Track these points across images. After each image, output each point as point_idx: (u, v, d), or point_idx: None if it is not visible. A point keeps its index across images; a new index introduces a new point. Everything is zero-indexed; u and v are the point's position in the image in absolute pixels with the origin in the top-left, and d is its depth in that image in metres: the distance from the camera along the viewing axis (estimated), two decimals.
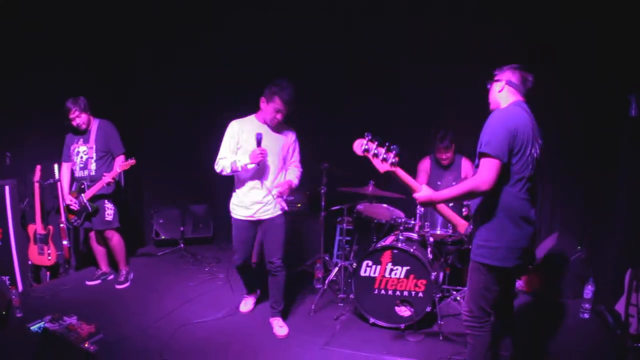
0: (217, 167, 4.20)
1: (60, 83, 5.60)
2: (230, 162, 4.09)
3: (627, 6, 4.62)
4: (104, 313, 4.71)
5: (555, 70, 4.94)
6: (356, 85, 6.23)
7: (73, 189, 5.32)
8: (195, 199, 7.33)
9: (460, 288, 5.08)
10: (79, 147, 5.21)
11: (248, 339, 4.31)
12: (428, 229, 4.60)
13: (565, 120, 5.15)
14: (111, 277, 5.69)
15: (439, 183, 5.08)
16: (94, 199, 5.16)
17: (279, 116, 4.08)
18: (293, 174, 4.35)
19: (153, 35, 6.79)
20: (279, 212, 4.26)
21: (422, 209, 4.63)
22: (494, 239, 2.90)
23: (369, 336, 4.38)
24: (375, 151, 3.02)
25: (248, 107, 4.36)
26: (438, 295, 4.56)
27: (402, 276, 4.45)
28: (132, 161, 5.02)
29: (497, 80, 3.06)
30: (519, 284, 5.34)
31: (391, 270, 4.47)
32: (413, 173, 5.16)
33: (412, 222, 4.82)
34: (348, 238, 5.64)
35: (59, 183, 5.39)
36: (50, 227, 5.46)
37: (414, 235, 4.84)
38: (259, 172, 4.15)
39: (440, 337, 4.29)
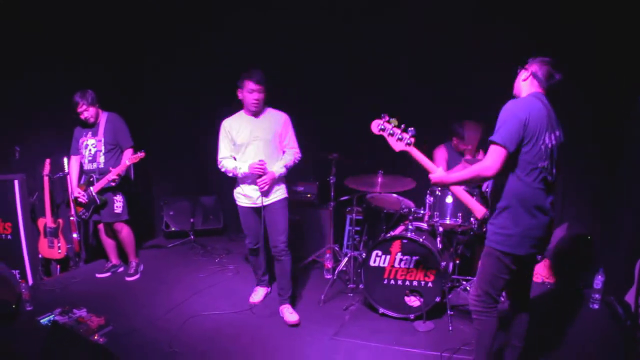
0: (222, 168, 4.48)
1: (66, 77, 5.59)
2: (232, 166, 4.37)
3: (628, 5, 4.58)
4: (113, 305, 4.73)
5: (560, 62, 4.90)
6: (356, 85, 6.22)
7: (82, 181, 5.32)
8: (205, 190, 7.34)
9: (470, 278, 5.04)
10: (87, 140, 5.21)
11: (257, 330, 4.31)
12: (437, 219, 4.55)
13: (573, 111, 5.10)
14: (121, 269, 5.71)
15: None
16: (102, 191, 5.17)
17: (255, 96, 4.22)
18: (288, 157, 4.46)
19: (154, 35, 6.78)
20: (280, 197, 4.45)
21: (432, 198, 4.59)
22: (509, 226, 2.94)
23: (378, 326, 4.36)
24: (391, 131, 3.24)
25: None
26: (448, 285, 4.53)
27: (411, 266, 4.42)
28: (141, 154, 5.02)
29: (525, 69, 3.07)
30: None
31: (400, 260, 4.44)
32: (419, 168, 5.15)
33: (422, 211, 4.77)
34: (357, 228, 5.61)
35: (68, 176, 5.40)
36: (60, 220, 5.48)
37: (424, 225, 4.80)
38: (251, 159, 4.29)
39: (450, 328, 4.26)
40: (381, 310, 4.53)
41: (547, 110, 2.92)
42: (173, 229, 7.04)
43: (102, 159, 5.19)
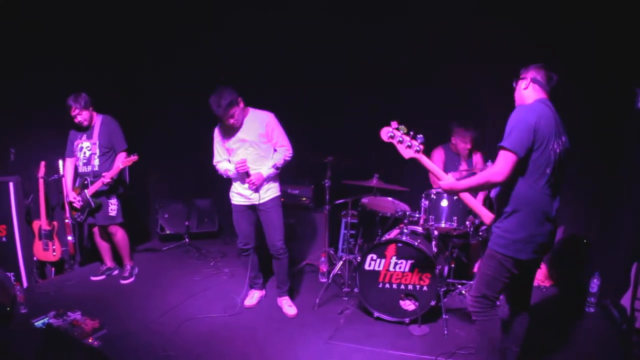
0: (218, 171, 4.64)
1: (62, 80, 5.59)
2: (223, 169, 4.55)
3: (628, 5, 4.59)
4: (108, 308, 4.71)
5: (560, 62, 4.91)
6: (354, 86, 6.23)
7: (77, 184, 5.31)
8: (200, 194, 7.33)
9: (465, 282, 5.04)
10: (82, 142, 5.20)
11: (252, 334, 4.30)
12: (433, 222, 4.55)
13: (573, 111, 5.11)
14: (116, 272, 5.69)
15: (452, 171, 5.05)
16: (97, 194, 5.16)
17: (229, 122, 4.30)
18: (278, 156, 4.52)
19: (154, 35, 6.80)
20: (273, 196, 4.57)
21: (427, 202, 4.60)
22: (515, 230, 2.95)
23: (373, 330, 4.36)
24: (401, 138, 3.21)
25: (248, 104, 4.45)
26: (443, 289, 4.53)
27: (406, 270, 4.42)
28: (134, 157, 5.02)
29: (522, 78, 3.08)
30: None
31: (395, 263, 4.44)
32: (415, 172, 5.17)
33: (417, 215, 4.78)
34: (353, 232, 5.61)
35: (63, 178, 5.38)
36: (55, 222, 5.46)
37: (419, 229, 4.81)
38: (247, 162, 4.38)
39: (445, 332, 4.25)
40: (376, 314, 4.52)
41: (554, 116, 2.94)
42: (168, 232, 7.04)
43: (96, 161, 5.17)
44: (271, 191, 4.55)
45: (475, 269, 5.19)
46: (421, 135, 3.21)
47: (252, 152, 4.40)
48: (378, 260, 4.49)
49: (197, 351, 3.96)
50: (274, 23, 6.40)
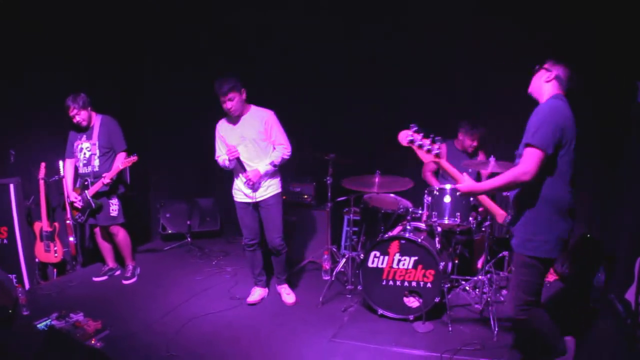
0: (220, 165, 4.68)
1: (62, 80, 5.56)
2: (222, 160, 4.61)
3: (627, 5, 4.58)
4: (110, 309, 4.70)
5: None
6: (355, 85, 6.22)
7: (77, 185, 5.29)
8: (202, 193, 7.31)
9: (469, 278, 5.01)
10: (82, 143, 5.18)
11: (255, 333, 4.28)
12: (436, 219, 4.52)
13: (573, 111, 5.10)
14: (118, 272, 5.67)
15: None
16: (98, 195, 5.14)
17: (227, 105, 4.35)
18: (276, 153, 4.57)
19: (154, 35, 6.79)
20: (273, 193, 4.63)
21: (430, 198, 4.57)
22: (544, 231, 2.93)
23: (377, 327, 4.33)
24: (420, 142, 3.16)
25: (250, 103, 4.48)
26: (447, 286, 4.50)
27: (410, 267, 4.39)
28: (134, 158, 5.00)
29: (547, 70, 3.05)
30: None
31: (399, 260, 4.42)
32: (417, 168, 5.15)
33: (420, 211, 4.76)
34: (355, 229, 5.58)
35: (64, 179, 5.36)
36: (57, 224, 5.44)
37: (422, 225, 4.78)
38: (245, 159, 4.48)
39: (450, 328, 4.23)
40: (380, 311, 4.50)
41: (572, 114, 2.94)
42: (170, 231, 7.02)
43: (96, 162, 5.14)
44: (272, 188, 4.59)
45: (479, 265, 5.17)
46: (440, 138, 3.17)
47: (251, 149, 4.45)
48: (381, 257, 4.46)
49: (201, 351, 3.94)
50: (274, 23, 6.42)
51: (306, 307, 4.79)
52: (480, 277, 4.69)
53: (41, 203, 5.31)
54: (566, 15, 4.90)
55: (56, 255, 5.38)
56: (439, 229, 4.59)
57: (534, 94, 3.12)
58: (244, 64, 6.48)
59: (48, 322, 4.20)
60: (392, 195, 5.09)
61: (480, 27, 5.47)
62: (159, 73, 6.94)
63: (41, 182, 5.30)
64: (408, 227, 4.58)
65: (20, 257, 5.16)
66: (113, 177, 5.08)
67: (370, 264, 4.50)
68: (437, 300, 4.33)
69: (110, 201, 5.24)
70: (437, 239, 4.58)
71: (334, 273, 5.26)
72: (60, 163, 5.42)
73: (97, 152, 5.13)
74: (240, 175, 4.55)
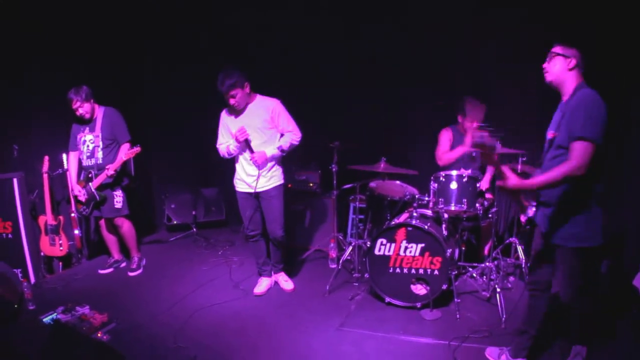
0: (220, 153, 4.63)
1: (66, 77, 5.51)
2: (225, 147, 4.53)
3: (627, 5, 4.49)
4: (116, 301, 4.69)
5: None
6: (356, 85, 6.19)
7: (81, 177, 5.27)
8: (207, 182, 7.29)
9: (476, 265, 4.96)
10: (85, 135, 5.15)
11: (262, 323, 4.26)
12: (442, 205, 4.48)
13: None
14: (123, 264, 5.67)
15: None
16: (102, 187, 5.11)
17: (230, 102, 4.31)
18: (285, 139, 4.54)
19: (154, 35, 6.79)
20: (276, 184, 4.57)
21: (436, 184, 4.53)
22: (595, 218, 2.91)
23: (384, 316, 4.31)
24: (492, 144, 3.02)
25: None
26: (454, 273, 4.47)
27: (417, 254, 4.35)
28: (137, 149, 4.97)
29: (565, 56, 2.99)
30: None
31: (406, 248, 4.38)
32: (416, 159, 5.10)
33: (426, 198, 4.71)
34: (361, 216, 5.55)
35: (67, 172, 5.34)
36: (61, 217, 5.43)
37: (428, 212, 4.74)
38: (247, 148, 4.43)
39: (457, 315, 4.20)
40: (387, 299, 4.47)
41: None
42: (175, 222, 7.01)
43: (100, 154, 5.12)
44: (274, 179, 4.54)
45: (486, 252, 5.12)
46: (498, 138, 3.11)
47: (256, 138, 4.40)
48: (388, 244, 4.43)
49: (208, 342, 3.92)
50: (274, 23, 6.40)
51: (313, 296, 4.77)
52: (487, 263, 4.65)
53: (45, 197, 5.29)
54: (566, 15, 4.83)
55: (61, 248, 5.37)
56: (446, 215, 4.55)
57: (554, 83, 3.03)
58: (244, 64, 6.37)
59: (54, 315, 4.20)
60: (397, 182, 5.05)
61: (480, 27, 5.43)
62: (159, 73, 6.94)
63: (45, 176, 5.28)
64: (414, 214, 4.54)
65: (25, 252, 5.15)
66: (117, 169, 5.05)
67: (377, 252, 4.47)
68: (444, 287, 4.30)
69: (115, 193, 5.22)
70: (443, 225, 4.55)
71: (341, 261, 5.23)
72: (64, 156, 5.39)
73: (101, 144, 5.10)
74: (246, 153, 4.43)
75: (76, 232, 5.59)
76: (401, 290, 4.43)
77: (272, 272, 4.99)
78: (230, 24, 6.66)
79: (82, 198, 5.12)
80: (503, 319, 4.05)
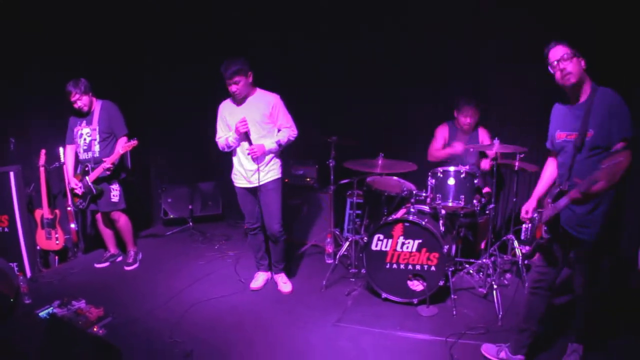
0: (219, 146, 4.58)
1: (66, 77, 5.44)
2: (224, 139, 4.48)
3: (627, 5, 4.50)
4: (112, 295, 4.68)
5: None
6: (356, 85, 6.18)
7: (78, 171, 5.25)
8: (204, 177, 7.26)
9: (473, 261, 4.97)
10: (82, 129, 5.12)
11: (259, 317, 4.26)
12: (440, 201, 4.47)
13: None
14: (119, 258, 5.65)
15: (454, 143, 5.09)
16: (98, 181, 5.09)
17: (232, 88, 4.28)
18: (282, 134, 4.52)
19: (154, 35, 6.77)
20: (272, 178, 4.54)
21: (434, 180, 4.53)
22: (612, 207, 2.99)
23: (381, 311, 4.32)
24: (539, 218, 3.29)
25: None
26: (451, 269, 4.48)
27: (414, 250, 4.35)
28: (134, 142, 4.96)
29: (577, 55, 3.03)
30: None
31: (403, 243, 4.38)
32: (415, 158, 5.10)
33: (424, 194, 4.70)
34: (358, 212, 5.54)
35: (64, 166, 5.33)
36: (57, 211, 5.42)
37: (426, 208, 4.73)
38: (246, 142, 4.39)
39: (454, 312, 4.21)
40: (384, 295, 4.47)
41: None
42: (172, 216, 6.99)
43: (97, 147, 5.10)
44: (272, 173, 4.53)
45: (482, 247, 5.12)
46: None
47: (254, 132, 4.38)
48: (385, 240, 4.42)
49: (204, 337, 3.92)
50: (274, 23, 6.38)
51: (310, 292, 4.78)
52: (484, 260, 4.65)
53: (42, 190, 5.28)
54: (566, 15, 4.83)
55: (57, 242, 5.36)
56: (443, 211, 4.55)
57: (577, 83, 3.04)
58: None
59: (50, 310, 4.19)
60: (395, 177, 5.04)
61: (480, 27, 5.43)
62: (159, 73, 6.91)
63: (41, 170, 5.26)
64: (412, 210, 4.54)
65: (21, 245, 5.16)
66: (114, 162, 5.03)
67: (373, 247, 4.47)
68: (441, 283, 4.30)
69: (111, 187, 5.20)
70: (441, 221, 4.54)
71: (337, 256, 5.22)
72: (61, 150, 5.38)
73: (97, 137, 5.08)
74: (244, 146, 4.39)
75: (72, 225, 5.58)
76: (398, 286, 4.43)
77: (272, 272, 4.97)
78: (230, 24, 6.64)
79: (79, 191, 5.10)
80: (499, 315, 4.05)
